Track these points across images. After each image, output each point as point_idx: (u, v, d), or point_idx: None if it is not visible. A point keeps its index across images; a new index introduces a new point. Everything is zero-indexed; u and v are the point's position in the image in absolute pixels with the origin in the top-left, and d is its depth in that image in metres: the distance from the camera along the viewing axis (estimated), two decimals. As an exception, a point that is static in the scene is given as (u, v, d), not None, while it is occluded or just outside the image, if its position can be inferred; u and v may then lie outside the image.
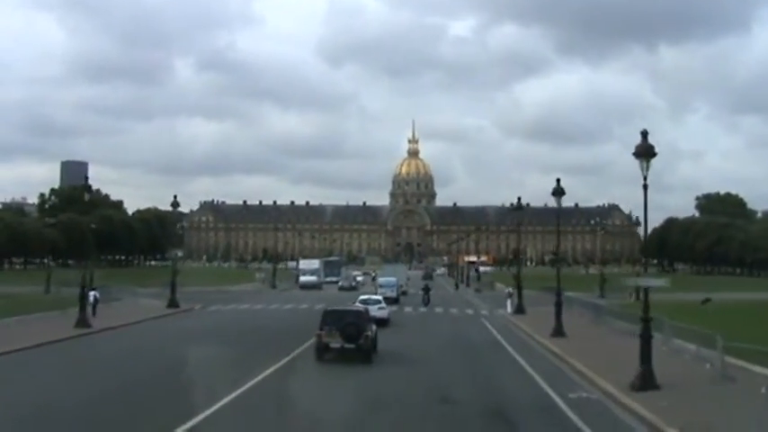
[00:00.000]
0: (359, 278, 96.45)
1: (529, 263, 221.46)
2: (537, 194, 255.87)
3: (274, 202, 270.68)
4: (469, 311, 55.45)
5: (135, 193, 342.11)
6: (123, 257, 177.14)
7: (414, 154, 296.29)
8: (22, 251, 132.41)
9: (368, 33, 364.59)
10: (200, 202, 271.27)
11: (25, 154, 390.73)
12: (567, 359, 27.62)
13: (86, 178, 38.49)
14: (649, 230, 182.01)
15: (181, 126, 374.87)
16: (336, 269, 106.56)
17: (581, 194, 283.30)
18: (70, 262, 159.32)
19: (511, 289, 55.55)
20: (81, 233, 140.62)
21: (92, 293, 45.22)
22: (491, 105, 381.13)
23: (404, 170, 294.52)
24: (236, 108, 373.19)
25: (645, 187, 21.85)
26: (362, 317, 28.09)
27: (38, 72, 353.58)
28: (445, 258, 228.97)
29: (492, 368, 26.72)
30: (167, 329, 39.80)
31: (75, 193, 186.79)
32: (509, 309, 53.06)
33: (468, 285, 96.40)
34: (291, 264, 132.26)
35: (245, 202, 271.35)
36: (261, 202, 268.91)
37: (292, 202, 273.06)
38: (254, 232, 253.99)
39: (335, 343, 26.50)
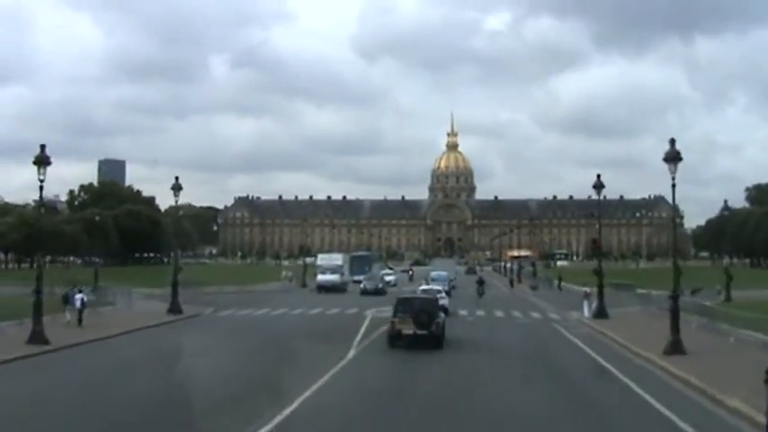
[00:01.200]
0: (389, 277, 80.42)
1: (574, 257, 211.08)
2: (575, 188, 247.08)
3: (310, 197, 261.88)
4: (536, 315, 45.62)
5: (171, 191, 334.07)
6: (152, 255, 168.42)
7: (453, 147, 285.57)
8: (40, 249, 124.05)
9: (402, 29, 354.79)
10: (235, 198, 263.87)
11: (63, 153, 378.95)
12: (723, 400, 17.75)
13: (42, 151, 28.93)
14: (701, 222, 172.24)
15: (217, 123, 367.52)
16: (367, 266, 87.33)
17: (619, 188, 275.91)
18: (96, 260, 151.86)
19: (588, 288, 45.63)
20: (102, 230, 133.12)
21: (78, 297, 36.85)
22: (527, 99, 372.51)
23: (443, 164, 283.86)
24: (272, 105, 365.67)
25: None
26: (433, 304, 30.22)
27: (75, 72, 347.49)
28: (488, 253, 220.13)
29: (617, 418, 16.92)
30: (152, 346, 30.18)
31: (104, 189, 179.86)
32: (586, 312, 43.30)
33: (520, 281, 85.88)
34: None
35: (280, 197, 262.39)
36: (297, 197, 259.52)
37: (329, 197, 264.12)
38: (290, 228, 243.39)
39: (408, 329, 27.82)
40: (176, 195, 44.91)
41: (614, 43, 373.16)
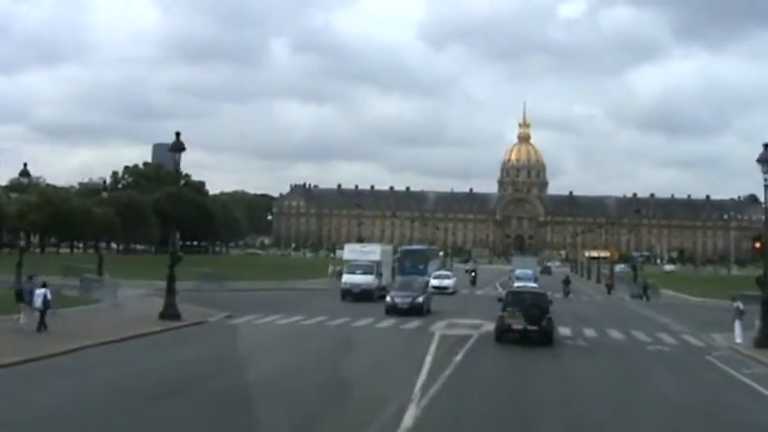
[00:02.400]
0: (445, 282, 60.36)
1: (657, 261, 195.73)
2: (652, 188, 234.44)
3: (372, 187, 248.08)
4: (667, 338, 32.47)
5: (227, 179, 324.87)
6: (197, 243, 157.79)
7: (524, 139, 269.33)
8: (69, 233, 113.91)
9: (472, 15, 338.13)
10: (291, 186, 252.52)
11: (118, 136, 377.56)
12: None
13: None
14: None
15: (277, 109, 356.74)
16: (421, 263, 68.22)
17: (703, 188, 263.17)
18: (138, 247, 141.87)
19: (740, 303, 32.63)
20: (138, 213, 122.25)
21: (39, 293, 26.15)
22: (602, 93, 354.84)
23: (513, 156, 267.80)
24: (334, 91, 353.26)
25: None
26: (544, 299, 29.15)
27: (132, 53, 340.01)
28: (562, 253, 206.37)
29: None
30: (71, 389, 18.06)
31: (150, 171, 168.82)
32: (739, 337, 30.60)
33: (613, 288, 70.90)
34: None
35: (339, 186, 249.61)
36: (357, 187, 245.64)
37: (391, 188, 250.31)
38: (348, 219, 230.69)
39: (518, 324, 27.16)
40: (177, 158, 32.78)
41: (696, 35, 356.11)
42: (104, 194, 60.98)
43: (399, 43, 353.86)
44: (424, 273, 61.29)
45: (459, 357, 23.20)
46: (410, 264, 66.90)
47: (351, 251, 54.52)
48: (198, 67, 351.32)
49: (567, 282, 63.24)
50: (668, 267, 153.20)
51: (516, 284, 48.03)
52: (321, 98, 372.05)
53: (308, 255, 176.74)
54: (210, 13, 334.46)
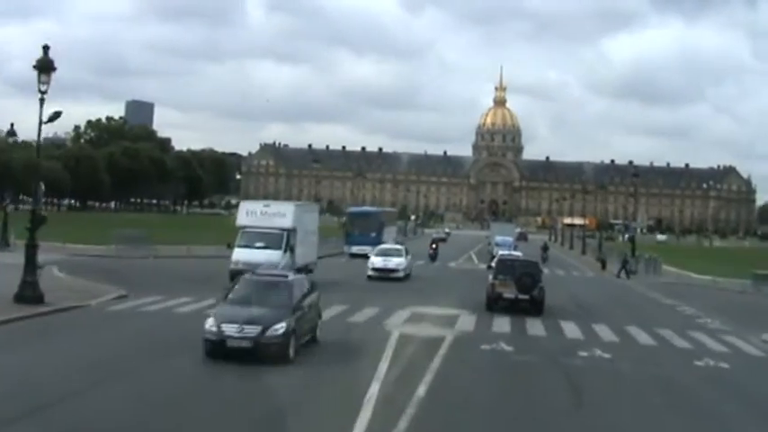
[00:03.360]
0: (392, 262, 39.55)
1: (638, 230, 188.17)
2: (626, 155, 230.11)
3: (343, 148, 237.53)
4: (710, 342, 23.62)
5: (200, 138, 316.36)
6: (155, 201, 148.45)
7: (500, 103, 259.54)
8: (11, 187, 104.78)
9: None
10: (261, 144, 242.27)
11: (91, 93, 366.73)
12: None
13: None
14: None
15: (252, 69, 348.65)
16: (373, 231, 56.88)
17: (671, 157, 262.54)
18: (95, 204, 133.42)
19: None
20: (92, 170, 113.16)
21: None
22: (578, 60, 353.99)
23: (489, 120, 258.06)
24: (309, 53, 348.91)
25: None
26: (536, 268, 28.58)
27: (107, 10, 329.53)
28: (538, 219, 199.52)
29: None
30: None
31: (113, 126, 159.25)
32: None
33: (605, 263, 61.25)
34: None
35: (310, 145, 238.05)
36: (328, 147, 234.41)
37: (363, 149, 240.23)
38: (318, 180, 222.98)
39: (509, 293, 26.81)
40: (44, 80, 23.84)
41: (672, 4, 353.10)
42: (10, 140, 52.01)
43: (376, 6, 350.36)
44: (377, 242, 49.77)
45: (421, 391, 14.40)
46: (359, 231, 57.25)
47: (248, 213, 34.02)
48: (173, 26, 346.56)
49: (545, 248, 64.14)
50: (660, 237, 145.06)
51: (498, 252, 46.58)
52: (296, 59, 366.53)
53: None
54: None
